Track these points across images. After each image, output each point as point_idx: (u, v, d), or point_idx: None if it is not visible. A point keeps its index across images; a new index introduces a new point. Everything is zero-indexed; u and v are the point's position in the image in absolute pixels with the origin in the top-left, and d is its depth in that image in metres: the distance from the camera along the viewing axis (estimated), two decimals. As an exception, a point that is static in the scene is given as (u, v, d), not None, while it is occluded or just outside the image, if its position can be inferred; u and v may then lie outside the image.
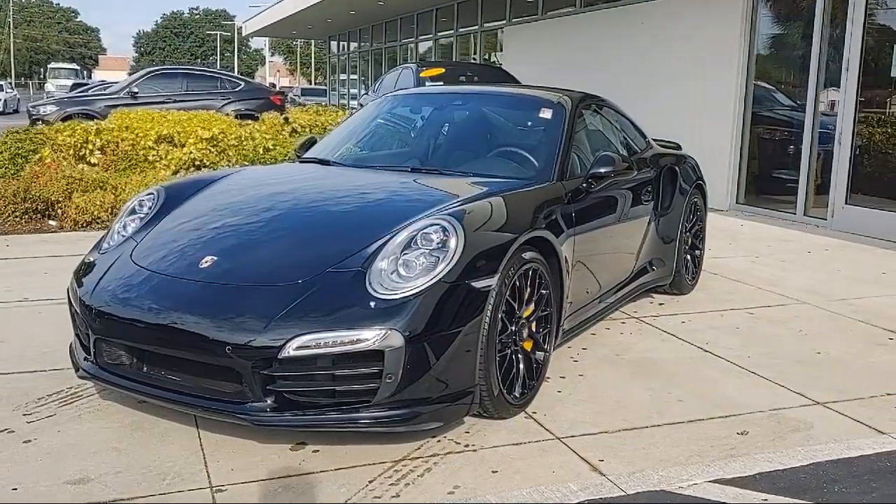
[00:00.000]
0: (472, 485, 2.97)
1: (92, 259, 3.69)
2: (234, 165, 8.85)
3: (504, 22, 16.36)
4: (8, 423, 3.42)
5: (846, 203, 8.54)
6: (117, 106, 15.50)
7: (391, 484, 2.96)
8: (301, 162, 4.78)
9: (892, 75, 8.07)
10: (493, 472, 3.08)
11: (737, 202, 10.13)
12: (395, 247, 3.21)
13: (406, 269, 3.13)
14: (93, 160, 9.50)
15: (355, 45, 28.97)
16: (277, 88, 26.92)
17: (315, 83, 77.75)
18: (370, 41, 27.17)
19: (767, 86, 9.97)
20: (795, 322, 5.19)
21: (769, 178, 9.98)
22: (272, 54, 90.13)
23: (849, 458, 3.28)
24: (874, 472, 3.15)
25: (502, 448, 3.27)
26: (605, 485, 3.00)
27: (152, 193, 3.99)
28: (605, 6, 12.80)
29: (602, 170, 4.21)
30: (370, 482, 2.97)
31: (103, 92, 17.88)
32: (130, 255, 3.52)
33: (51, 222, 8.08)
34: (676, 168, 5.48)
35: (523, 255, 3.47)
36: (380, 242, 3.26)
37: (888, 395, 3.98)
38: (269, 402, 2.99)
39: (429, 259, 3.15)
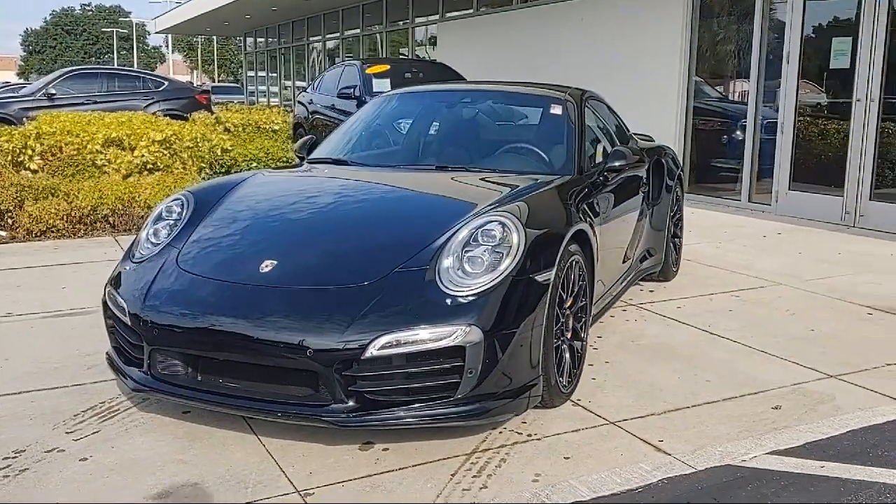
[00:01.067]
0: (552, 472, 3.07)
1: (128, 268, 3.61)
2: (189, 169, 8.66)
3: (437, 17, 16.46)
4: (55, 443, 3.32)
5: (789, 189, 9.00)
6: (33, 109, 14.87)
7: (474, 476, 3.03)
8: (311, 163, 4.76)
9: (830, 66, 8.55)
10: (565, 458, 3.18)
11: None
12: (458, 244, 3.26)
13: (471, 266, 3.19)
14: (32, 166, 9.14)
15: (274, 41, 28.52)
16: (202, 87, 26.26)
17: (218, 80, 75.94)
18: (290, 37, 26.81)
19: (710, 78, 10.39)
20: (780, 302, 5.49)
21: (711, 167, 10.42)
22: (172, 51, 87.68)
23: (878, 425, 3.53)
24: (906, 436, 3.40)
25: (564, 435, 3.38)
26: (674, 463, 3.14)
27: (180, 199, 3.91)
28: (548, 2, 13.03)
29: (617, 163, 4.37)
30: (452, 475, 3.03)
31: (15, 94, 17.09)
32: (177, 263, 3.47)
33: (1, 233, 7.74)
34: (662, 160, 5.71)
35: (569, 247, 3.58)
36: (440, 240, 3.31)
37: (888, 365, 4.28)
38: (351, 403, 3.01)
39: (493, 255, 3.22)
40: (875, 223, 8.15)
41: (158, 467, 3.10)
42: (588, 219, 3.94)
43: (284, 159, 9.09)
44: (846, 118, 8.36)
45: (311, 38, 25.28)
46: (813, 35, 8.75)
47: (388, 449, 3.24)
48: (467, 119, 4.89)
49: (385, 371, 3.00)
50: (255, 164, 8.63)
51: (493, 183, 4.01)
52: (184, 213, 3.80)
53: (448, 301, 3.08)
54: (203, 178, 8.42)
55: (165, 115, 14.63)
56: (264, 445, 3.28)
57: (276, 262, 3.30)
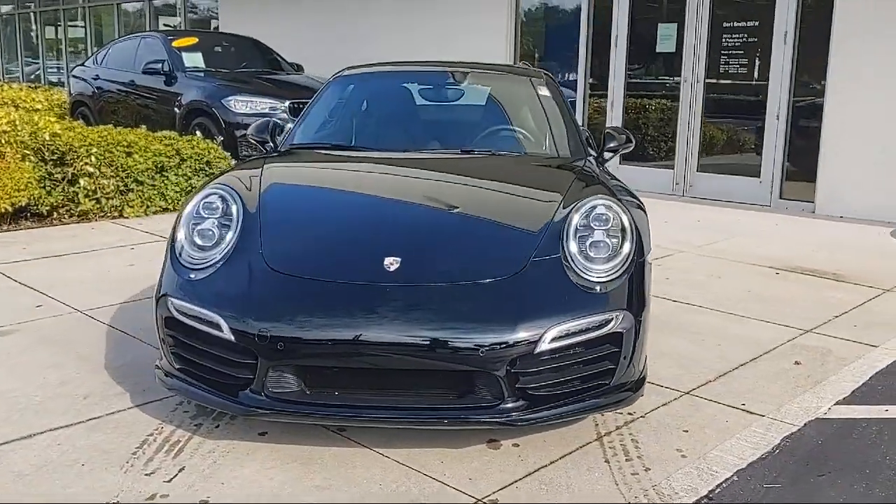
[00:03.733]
0: (688, 446, 3.20)
1: (194, 277, 3.14)
2: (11, 158, 7.48)
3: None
4: (142, 488, 2.85)
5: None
6: None
7: (626, 459, 3.08)
8: (299, 149, 4.39)
9: (657, 50, 9.38)
10: (684, 431, 3.33)
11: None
12: (575, 229, 3.25)
13: (596, 251, 3.20)
14: None
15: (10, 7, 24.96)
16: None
17: None
18: (36, 2, 23.60)
19: (538, 62, 10.88)
20: (698, 268, 6.03)
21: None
22: None
23: (888, 367, 4.06)
24: (914, 375, 3.98)
25: (659, 411, 3.52)
26: (773, 423, 3.41)
27: (215, 194, 3.45)
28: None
29: (613, 144, 4.53)
30: (607, 461, 3.06)
31: None
32: (269, 267, 3.10)
33: None
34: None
35: None
36: (554, 226, 3.28)
37: (836, 317, 4.91)
38: (520, 401, 2.90)
39: (611, 239, 3.25)
40: (701, 192, 9.15)
41: (303, 497, 2.80)
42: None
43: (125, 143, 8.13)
44: (674, 98, 9.25)
45: (47, 6, 22.54)
46: (639, 20, 9.52)
47: (518, 445, 3.18)
48: (458, 99, 4.79)
49: (552, 364, 2.94)
50: (95, 150, 7.65)
51: (544, 166, 4.01)
52: (232, 210, 3.38)
53: (597, 288, 3.08)
54: (32, 167, 7.35)
55: None
56: (389, 457, 3.07)
57: (399, 259, 3.07)
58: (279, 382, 2.94)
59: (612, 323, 3.01)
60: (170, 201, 7.88)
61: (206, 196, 3.46)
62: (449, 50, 11.04)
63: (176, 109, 10.18)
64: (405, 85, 4.82)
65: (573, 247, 3.19)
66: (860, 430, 3.36)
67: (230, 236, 3.27)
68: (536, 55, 10.87)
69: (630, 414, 3.48)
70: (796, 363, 4.12)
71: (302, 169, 4.08)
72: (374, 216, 3.49)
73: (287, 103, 9.74)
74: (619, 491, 2.86)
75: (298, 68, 11.59)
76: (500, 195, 3.80)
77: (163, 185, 7.90)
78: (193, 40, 10.94)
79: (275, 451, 3.12)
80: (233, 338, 2.93)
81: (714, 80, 8.98)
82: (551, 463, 3.05)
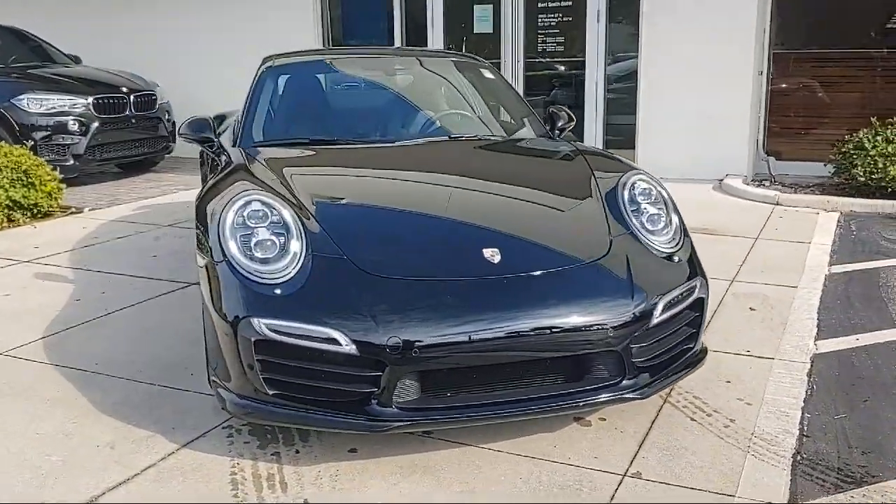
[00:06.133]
0: (740, 394, 3.47)
1: (279, 293, 2.85)
2: None
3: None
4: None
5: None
6: None
7: (706, 416, 3.30)
8: (262, 146, 4.05)
9: (475, 32, 9.66)
10: (727, 382, 3.61)
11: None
12: (628, 205, 3.38)
13: (652, 224, 3.36)
14: None
15: None
16: None
17: None
18: None
19: (359, 46, 10.68)
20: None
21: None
22: None
23: (822, 303, 4.64)
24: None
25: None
26: (787, 364, 3.80)
27: (261, 202, 3.13)
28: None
29: (561, 123, 4.69)
30: (694, 420, 3.25)
31: None
32: (363, 270, 2.92)
33: None
34: None
35: None
36: (609, 204, 3.39)
37: (741, 266, 5.49)
38: (640, 374, 2.99)
39: (658, 210, 3.42)
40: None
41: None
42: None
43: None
44: (496, 76, 9.61)
45: None
46: (455, 1, 9.73)
47: (604, 419, 3.28)
48: (419, 86, 4.65)
49: (658, 335, 3.05)
50: None
51: (541, 147, 4.10)
52: (285, 217, 3.09)
53: (675, 258, 3.23)
54: None
55: None
56: (503, 451, 3.04)
57: (497, 250, 3.01)
58: (403, 391, 2.78)
59: (696, 290, 3.19)
60: (-10, 217, 6.83)
61: (246, 204, 3.13)
62: (249, 32, 10.55)
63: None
64: (362, 73, 4.62)
65: (635, 222, 3.33)
66: (855, 359, 3.87)
67: (296, 245, 3.00)
68: (347, 40, 10.71)
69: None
70: (751, 309, 4.60)
71: (330, 168, 3.88)
72: (445, 211, 3.39)
73: (91, 99, 8.78)
74: (730, 444, 3.07)
75: (76, 60, 10.43)
76: (537, 179, 3.82)
77: (-23, 199, 6.83)
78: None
79: (381, 465, 2.95)
80: (356, 350, 2.71)
81: (533, 59, 9.46)
82: (649, 431, 3.18)
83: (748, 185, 8.11)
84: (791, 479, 2.82)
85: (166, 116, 9.77)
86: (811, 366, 3.78)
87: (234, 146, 4.12)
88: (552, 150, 4.20)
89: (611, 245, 3.18)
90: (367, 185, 3.71)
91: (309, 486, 2.83)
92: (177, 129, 9.83)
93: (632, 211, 3.39)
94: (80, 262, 5.79)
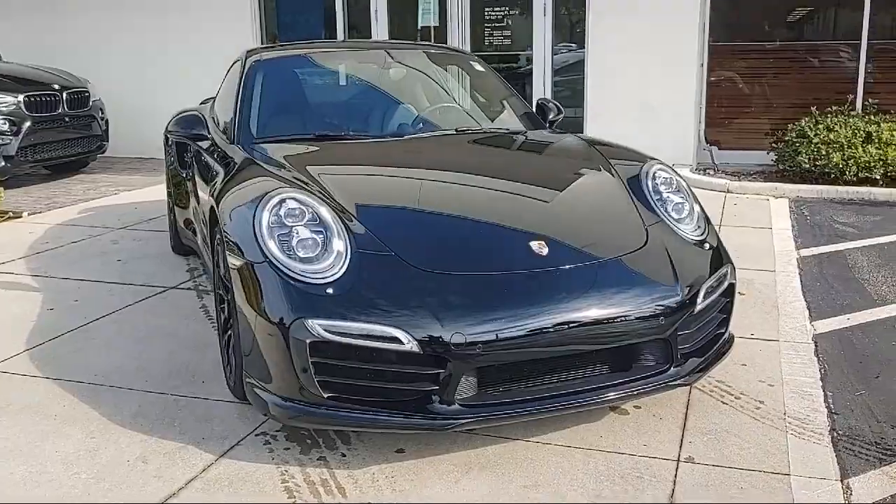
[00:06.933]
0: (760, 376, 3.58)
1: (333, 292, 2.76)
2: None
3: None
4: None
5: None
6: None
7: (735, 399, 3.37)
8: (267, 142, 3.92)
9: (418, 26, 9.59)
10: (742, 365, 3.71)
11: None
12: (653, 192, 3.43)
13: (678, 213, 3.41)
14: None
15: None
16: None
17: None
18: None
19: (290, 38, 10.43)
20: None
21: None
22: None
23: (804, 286, 4.83)
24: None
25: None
26: (792, 345, 3.94)
27: (295, 199, 3.03)
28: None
29: (552, 116, 4.71)
30: (726, 404, 3.33)
31: None
32: (415, 266, 2.87)
33: None
34: None
35: None
36: (637, 194, 3.43)
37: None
38: (685, 361, 3.03)
39: (681, 199, 3.48)
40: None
41: (527, 498, 2.68)
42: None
43: None
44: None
45: None
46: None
47: (639, 407, 3.32)
48: (416, 79, 4.56)
49: (700, 321, 3.10)
50: None
51: (548, 139, 4.13)
52: (323, 215, 3.00)
53: (706, 245, 3.29)
54: None
55: None
56: (552, 444, 3.05)
57: (543, 242, 3.00)
58: (463, 388, 2.75)
59: (728, 275, 3.26)
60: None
61: (281, 202, 3.02)
62: (171, 30, 10.21)
63: None
64: (358, 66, 4.52)
65: (663, 210, 3.37)
66: (853, 337, 4.03)
67: (339, 244, 2.91)
68: (286, 33, 10.48)
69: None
70: (740, 294, 4.72)
71: (352, 164, 3.80)
72: (483, 205, 3.36)
73: (21, 97, 8.33)
74: (767, 425, 3.15)
75: (-5, 56, 9.87)
76: (560, 170, 3.82)
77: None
78: None
79: (434, 464, 2.91)
80: (418, 348, 2.66)
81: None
82: (686, 416, 3.24)
83: (698, 174, 8.35)
84: (836, 456, 2.92)
85: (100, 114, 9.35)
86: (816, 346, 3.92)
87: (231, 143, 3.97)
88: (563, 142, 4.21)
89: (647, 234, 3.21)
90: (398, 180, 3.64)
91: (367, 488, 2.76)
92: (109, 128, 9.53)
93: (657, 200, 3.43)
94: (39, 269, 5.49)
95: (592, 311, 2.84)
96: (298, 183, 3.27)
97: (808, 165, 7.63)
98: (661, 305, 2.93)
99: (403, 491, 2.75)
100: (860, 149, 7.45)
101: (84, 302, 4.76)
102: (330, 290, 2.78)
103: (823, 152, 7.55)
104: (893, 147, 7.42)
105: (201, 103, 6.18)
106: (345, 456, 2.97)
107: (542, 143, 4.21)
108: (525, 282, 2.87)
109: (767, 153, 8.34)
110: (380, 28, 9.67)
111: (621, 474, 2.83)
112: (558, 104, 4.80)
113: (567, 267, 2.96)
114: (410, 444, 3.02)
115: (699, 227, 3.40)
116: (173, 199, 5.46)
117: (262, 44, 10.18)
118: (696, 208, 3.49)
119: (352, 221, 3.03)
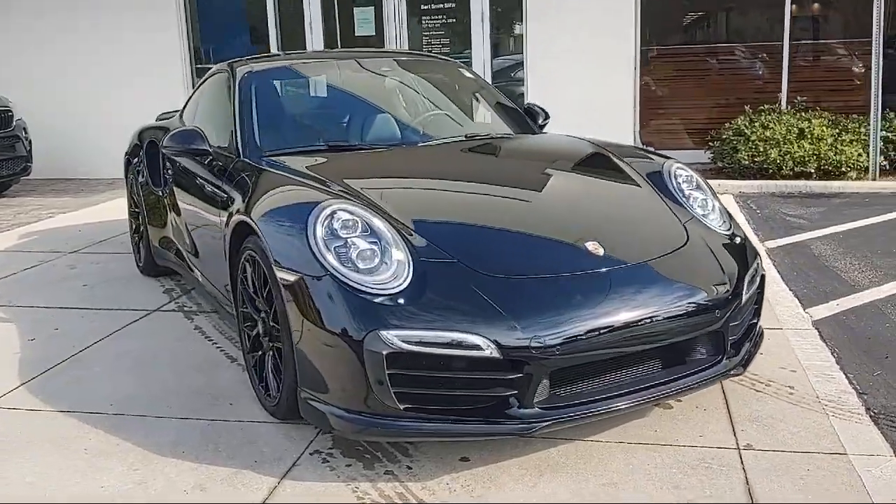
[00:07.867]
0: (778, 363, 3.71)
1: (403, 302, 2.72)
2: None
3: None
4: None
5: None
6: None
7: (766, 386, 3.49)
8: (278, 155, 3.80)
9: (356, 34, 9.51)
10: (760, 354, 3.83)
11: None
12: (678, 190, 3.53)
13: (703, 209, 3.51)
14: None
15: None
16: None
17: None
18: None
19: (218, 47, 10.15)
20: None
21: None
22: None
23: (785, 277, 5.05)
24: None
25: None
26: (797, 332, 4.10)
27: (346, 210, 2.97)
28: None
29: (541, 120, 4.76)
30: (759, 392, 3.44)
31: None
32: (479, 271, 2.86)
33: None
34: None
35: None
36: (664, 192, 3.51)
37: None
38: (737, 351, 3.12)
39: (704, 195, 3.59)
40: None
41: (610, 497, 2.70)
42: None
43: None
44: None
45: None
46: (335, 4, 9.53)
47: (681, 401, 3.38)
48: (413, 87, 4.51)
49: (744, 312, 3.20)
50: None
51: (557, 142, 4.23)
52: (376, 225, 2.95)
53: (737, 239, 3.39)
54: None
55: None
56: (610, 441, 3.07)
57: (597, 243, 3.03)
58: (540, 391, 2.75)
59: (760, 267, 3.38)
60: None
61: (332, 214, 2.95)
62: (108, 41, 9.83)
63: None
64: (356, 76, 4.44)
65: (690, 207, 3.46)
66: (849, 322, 4.24)
67: (398, 253, 2.86)
68: (213, 48, 10.19)
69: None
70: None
71: (384, 175, 3.77)
72: (530, 210, 3.39)
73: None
74: (806, 409, 3.27)
75: None
76: (585, 172, 3.86)
77: None
78: None
79: (503, 469, 2.89)
80: (498, 353, 2.64)
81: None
82: (727, 406, 3.32)
83: (641, 173, 8.60)
84: (881, 433, 3.06)
85: (23, 134, 8.89)
86: (819, 331, 4.10)
87: (239, 158, 3.84)
88: (571, 144, 4.26)
89: (686, 231, 3.30)
90: (439, 188, 3.60)
91: (445, 497, 2.72)
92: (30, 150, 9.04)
93: (685, 196, 3.53)
94: (1, 298, 5.16)
95: (659, 309, 2.89)
96: (338, 194, 3.19)
97: (747, 162, 7.97)
98: (716, 298, 3.01)
99: (481, 497, 2.73)
100: (795, 145, 7.85)
101: (65, 331, 4.50)
102: (401, 300, 2.73)
103: (761, 149, 7.91)
104: (825, 142, 7.85)
105: (159, 118, 5.96)
106: (411, 468, 2.92)
107: (556, 148, 4.26)
108: (590, 282, 2.90)
109: (704, 151, 8.67)
110: (314, 37, 9.57)
111: (691, 465, 2.88)
112: (545, 109, 4.86)
113: (625, 265, 3.00)
114: (474, 452, 3.00)
115: (725, 221, 3.51)
116: (145, 218, 5.23)
117: (191, 59, 9.93)
118: (717, 204, 3.60)
119: (412, 235, 2.98)
